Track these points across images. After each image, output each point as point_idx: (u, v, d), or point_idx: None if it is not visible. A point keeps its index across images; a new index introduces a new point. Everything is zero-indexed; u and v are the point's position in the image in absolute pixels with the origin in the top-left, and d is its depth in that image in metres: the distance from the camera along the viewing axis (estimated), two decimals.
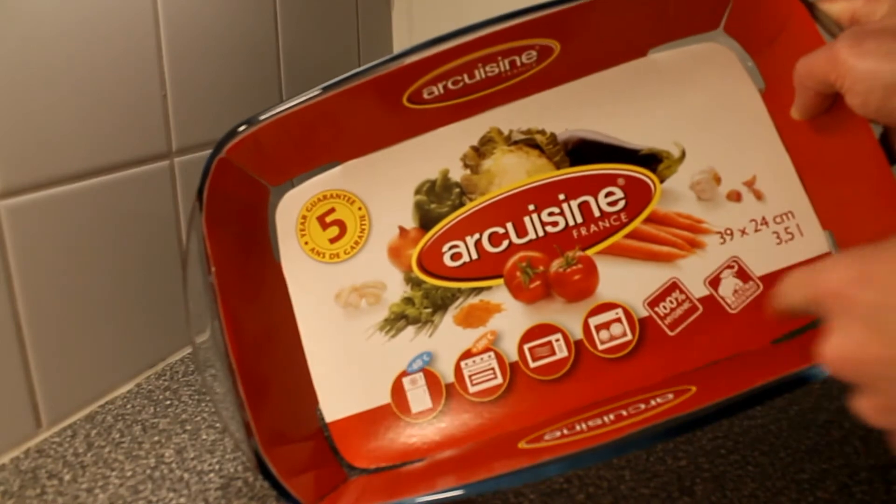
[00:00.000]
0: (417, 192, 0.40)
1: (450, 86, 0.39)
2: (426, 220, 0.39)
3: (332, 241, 0.40)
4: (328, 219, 0.40)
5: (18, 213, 0.38)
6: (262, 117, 0.37)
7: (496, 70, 0.39)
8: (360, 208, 0.40)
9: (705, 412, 0.28)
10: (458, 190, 0.39)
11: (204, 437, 0.41)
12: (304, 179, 0.41)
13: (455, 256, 0.39)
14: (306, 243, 0.40)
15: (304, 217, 0.40)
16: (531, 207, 0.39)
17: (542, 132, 0.40)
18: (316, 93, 0.37)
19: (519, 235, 0.38)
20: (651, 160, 0.38)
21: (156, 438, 0.41)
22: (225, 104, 0.53)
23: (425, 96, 0.39)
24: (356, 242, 0.40)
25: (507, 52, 0.38)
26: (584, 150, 0.39)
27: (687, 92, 0.39)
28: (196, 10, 0.49)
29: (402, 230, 0.39)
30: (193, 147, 0.50)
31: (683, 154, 0.38)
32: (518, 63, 0.39)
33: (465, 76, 0.39)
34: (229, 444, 0.40)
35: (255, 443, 0.32)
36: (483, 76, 0.39)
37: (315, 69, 0.64)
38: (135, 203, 0.46)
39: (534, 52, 0.39)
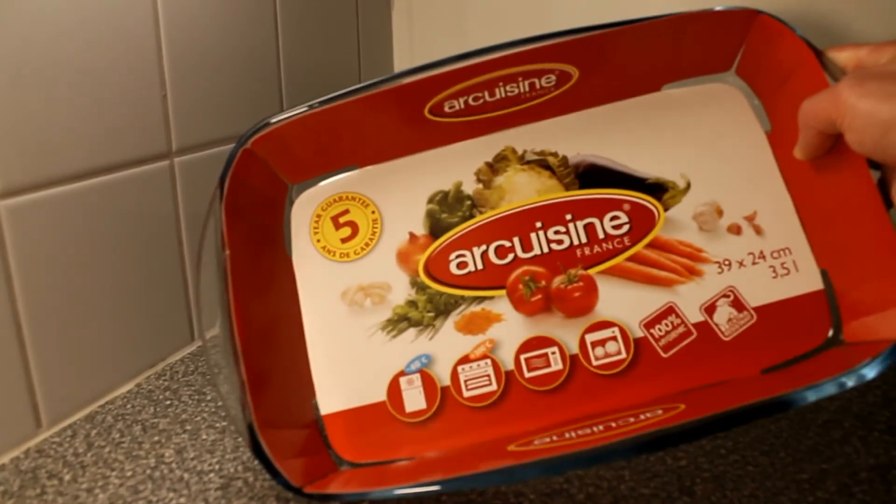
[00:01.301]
0: (430, 201, 0.41)
1: (471, 102, 0.41)
2: (436, 229, 0.41)
3: (344, 240, 0.41)
4: (342, 219, 0.41)
5: (18, 213, 0.38)
6: (289, 114, 0.39)
7: (516, 91, 0.41)
8: (373, 212, 0.41)
9: (691, 426, 0.29)
10: (469, 202, 0.41)
11: (204, 437, 0.41)
12: (323, 179, 0.42)
13: (461, 265, 0.40)
14: (318, 241, 0.41)
15: (319, 216, 0.42)
16: (538, 224, 0.40)
17: (555, 154, 0.41)
18: (341, 95, 0.39)
19: (524, 250, 0.40)
20: (657, 189, 0.40)
21: (156, 438, 0.41)
22: (225, 104, 0.53)
23: (446, 110, 0.41)
24: (367, 244, 0.41)
25: (528, 74, 0.40)
26: (593, 175, 0.40)
27: (696, 128, 0.41)
28: (196, 10, 0.49)
29: (412, 236, 0.41)
30: (193, 147, 0.50)
31: (689, 186, 0.40)
32: (537, 86, 0.41)
33: (486, 94, 0.40)
34: (229, 444, 0.40)
35: (251, 420, 0.33)
36: (503, 95, 0.41)
37: (315, 69, 0.64)
38: (135, 203, 0.46)
39: (553, 77, 0.41)
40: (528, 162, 0.41)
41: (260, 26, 0.56)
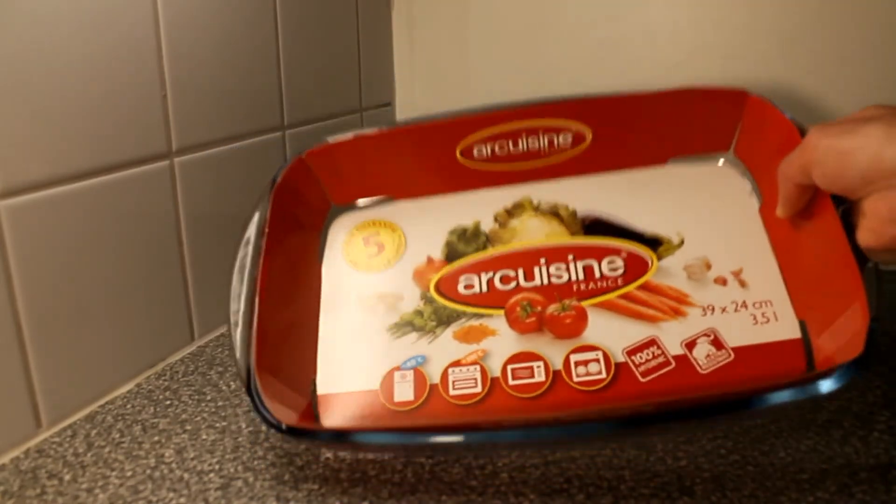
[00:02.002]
0: (451, 233, 0.47)
1: (496, 150, 0.48)
2: (451, 255, 0.46)
3: (370, 257, 0.47)
4: (372, 239, 0.47)
5: (18, 213, 0.38)
6: (343, 136, 0.48)
7: (536, 145, 0.48)
8: (400, 237, 0.47)
9: (656, 411, 0.34)
10: (484, 238, 0.46)
11: (204, 437, 0.41)
12: (361, 205, 0.49)
13: (468, 286, 0.44)
14: (347, 255, 0.47)
15: (352, 234, 0.48)
16: (542, 260, 0.44)
17: (566, 207, 0.47)
18: (388, 125, 0.48)
19: (526, 280, 0.44)
20: (653, 243, 0.44)
21: (156, 438, 0.41)
22: (225, 104, 0.53)
23: (475, 155, 0.48)
24: (389, 261, 0.46)
25: (547, 129, 0.48)
26: (597, 227, 0.46)
27: (695, 199, 0.46)
28: (196, 10, 0.49)
29: (430, 259, 0.46)
30: (193, 147, 0.50)
31: (682, 242, 0.44)
32: (555, 143, 0.48)
33: (510, 144, 0.48)
34: (229, 444, 0.40)
35: (251, 362, 0.38)
36: (525, 148, 0.48)
37: (315, 69, 0.64)
38: (135, 203, 0.46)
39: (569, 136, 0.48)
40: (542, 211, 0.47)
41: (260, 26, 0.56)
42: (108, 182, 0.44)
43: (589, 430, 0.35)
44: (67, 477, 0.37)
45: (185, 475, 0.37)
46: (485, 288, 0.44)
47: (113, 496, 0.36)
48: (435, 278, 0.45)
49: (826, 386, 0.32)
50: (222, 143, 0.53)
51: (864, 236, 0.36)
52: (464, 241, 0.46)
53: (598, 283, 0.43)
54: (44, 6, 0.39)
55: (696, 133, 0.47)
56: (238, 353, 0.39)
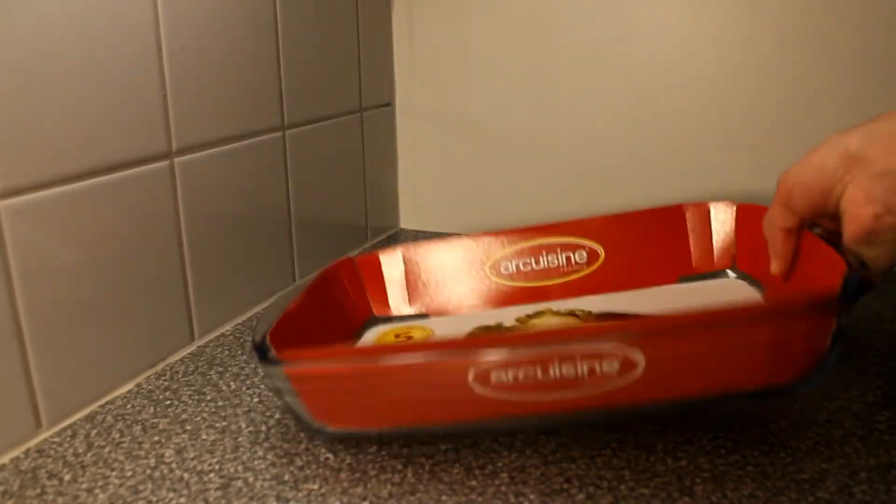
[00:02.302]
0: (475, 328, 0.50)
1: (521, 266, 0.55)
2: None
3: (398, 342, 0.51)
4: (402, 334, 0.52)
5: (18, 213, 0.38)
6: (392, 254, 0.56)
7: (556, 262, 0.55)
8: (429, 333, 0.52)
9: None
10: (504, 329, 0.50)
11: (204, 437, 0.41)
12: (397, 319, 0.55)
13: None
14: (377, 339, 0.52)
15: (386, 332, 0.53)
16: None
17: (583, 310, 0.51)
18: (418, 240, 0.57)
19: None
20: None
21: (156, 438, 0.41)
22: (225, 104, 0.53)
23: (502, 271, 0.55)
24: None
25: (564, 247, 0.55)
26: (610, 317, 0.49)
27: (705, 300, 0.48)
28: (196, 10, 0.49)
29: None
30: (193, 147, 0.50)
31: None
32: (572, 260, 0.54)
33: (533, 260, 0.55)
34: (229, 443, 0.40)
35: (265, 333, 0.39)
36: (545, 265, 0.55)
37: (315, 69, 0.64)
38: (135, 203, 0.46)
39: (584, 253, 0.54)
40: (560, 314, 0.52)
41: (260, 26, 0.56)
42: (108, 182, 0.44)
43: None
44: (67, 477, 0.38)
45: (185, 475, 0.37)
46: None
47: (113, 496, 0.36)
48: None
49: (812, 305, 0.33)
50: (222, 143, 0.53)
51: (849, 229, 0.37)
52: (486, 332, 0.50)
53: None
54: (44, 6, 0.39)
55: (699, 249, 0.53)
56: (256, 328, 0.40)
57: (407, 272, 0.56)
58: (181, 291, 0.51)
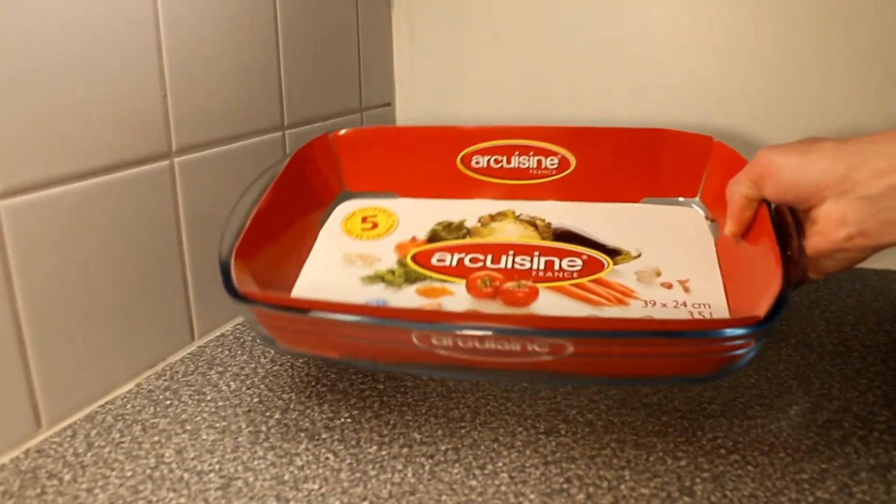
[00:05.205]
0: (437, 224, 0.53)
1: (492, 163, 0.56)
2: (433, 239, 0.52)
3: (364, 230, 0.53)
4: (369, 218, 0.54)
5: (18, 213, 0.38)
6: (368, 125, 0.59)
7: (527, 164, 0.56)
8: (394, 220, 0.54)
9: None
10: (465, 231, 0.53)
11: (204, 437, 0.41)
12: (368, 195, 0.57)
13: (440, 260, 0.50)
14: (345, 224, 0.54)
15: (354, 213, 0.55)
16: (510, 252, 0.50)
17: (542, 220, 0.53)
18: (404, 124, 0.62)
19: (492, 263, 0.49)
20: (613, 252, 0.50)
21: (156, 438, 0.41)
22: (225, 104, 0.53)
23: (473, 164, 0.56)
24: (378, 235, 0.53)
25: (538, 151, 0.56)
26: (566, 237, 0.52)
27: (659, 228, 0.52)
28: (196, 10, 0.49)
29: (414, 238, 0.52)
30: (193, 147, 0.50)
31: (639, 255, 0.49)
32: (543, 164, 0.56)
33: (505, 158, 0.56)
34: (229, 443, 0.40)
35: (229, 254, 0.41)
36: (517, 164, 0.56)
37: (315, 69, 0.64)
38: (135, 203, 0.46)
39: (556, 160, 0.55)
40: (521, 220, 0.53)
41: (260, 26, 0.56)
42: (108, 182, 0.44)
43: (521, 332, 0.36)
44: (67, 477, 0.38)
45: (185, 475, 0.37)
46: (454, 263, 0.49)
47: (113, 496, 0.36)
48: (413, 251, 0.51)
49: (730, 332, 0.34)
50: (222, 143, 0.53)
51: (815, 241, 0.39)
52: (447, 230, 0.53)
53: (556, 274, 0.48)
54: (44, 6, 0.39)
55: (668, 176, 0.54)
56: (222, 243, 0.42)
57: (382, 151, 0.57)
58: (181, 291, 0.51)
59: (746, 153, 0.47)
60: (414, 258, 0.50)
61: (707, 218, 0.52)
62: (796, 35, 0.65)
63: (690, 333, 0.34)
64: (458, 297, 0.46)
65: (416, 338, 0.36)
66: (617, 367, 0.39)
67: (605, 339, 0.35)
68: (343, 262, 0.50)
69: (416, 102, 0.80)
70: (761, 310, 0.35)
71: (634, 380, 0.42)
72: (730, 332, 0.34)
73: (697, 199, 0.53)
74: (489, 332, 0.34)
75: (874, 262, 0.64)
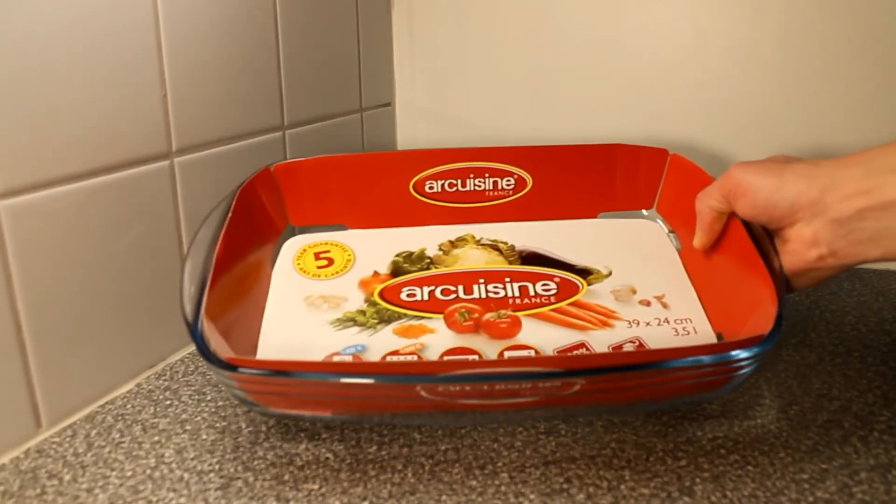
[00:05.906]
0: (397, 255, 0.51)
1: (446, 187, 0.54)
2: (396, 272, 0.49)
3: (320, 268, 0.50)
4: (322, 255, 0.51)
5: (18, 213, 0.38)
6: (306, 157, 0.53)
7: (482, 186, 0.54)
8: (350, 255, 0.51)
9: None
10: (428, 261, 0.51)
11: (204, 437, 0.41)
12: (316, 229, 0.53)
13: (410, 295, 0.47)
14: (298, 264, 0.50)
15: (305, 250, 0.51)
16: (480, 280, 0.48)
17: (505, 242, 0.52)
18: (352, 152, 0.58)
19: (465, 293, 0.47)
20: (584, 272, 0.49)
21: (156, 438, 0.41)
22: (225, 104, 0.53)
23: (426, 190, 0.54)
24: (336, 272, 0.50)
25: (493, 172, 0.54)
26: (533, 258, 0.51)
27: (622, 242, 0.52)
28: (196, 10, 0.49)
29: (376, 273, 0.50)
30: (193, 147, 0.50)
31: (610, 273, 0.49)
32: (499, 186, 0.54)
33: (459, 182, 0.54)
34: (229, 443, 0.40)
35: (200, 309, 0.38)
36: (472, 187, 0.54)
37: (315, 68, 0.64)
38: (135, 203, 0.46)
39: (512, 180, 0.55)
40: (482, 244, 0.52)
41: (260, 26, 0.56)
42: (108, 182, 0.44)
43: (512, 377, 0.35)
44: (67, 477, 0.38)
45: (185, 475, 0.38)
46: (426, 297, 0.47)
47: (113, 496, 0.36)
48: (379, 287, 0.48)
49: (738, 354, 0.34)
50: (222, 143, 0.53)
51: (788, 259, 0.40)
52: (409, 262, 0.50)
53: (532, 300, 0.46)
54: (44, 6, 0.39)
55: (624, 189, 0.54)
56: (185, 297, 0.39)
57: (327, 181, 0.54)
58: (181, 291, 0.51)
59: (718, 168, 0.47)
60: (382, 295, 0.47)
61: (667, 230, 0.52)
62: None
63: (707, 359, 0.34)
64: (440, 335, 0.44)
65: (423, 390, 0.34)
66: (624, 396, 0.39)
67: (627, 373, 0.35)
68: (306, 307, 0.46)
69: (416, 102, 0.80)
70: (760, 327, 0.36)
71: (636, 405, 0.41)
72: (741, 353, 0.34)
73: (654, 210, 0.54)
74: (515, 381, 0.34)
75: (874, 262, 0.64)
